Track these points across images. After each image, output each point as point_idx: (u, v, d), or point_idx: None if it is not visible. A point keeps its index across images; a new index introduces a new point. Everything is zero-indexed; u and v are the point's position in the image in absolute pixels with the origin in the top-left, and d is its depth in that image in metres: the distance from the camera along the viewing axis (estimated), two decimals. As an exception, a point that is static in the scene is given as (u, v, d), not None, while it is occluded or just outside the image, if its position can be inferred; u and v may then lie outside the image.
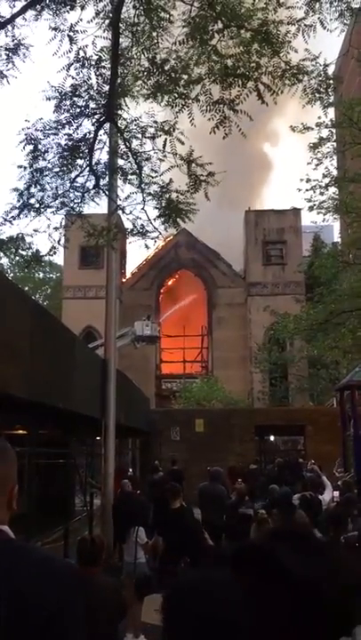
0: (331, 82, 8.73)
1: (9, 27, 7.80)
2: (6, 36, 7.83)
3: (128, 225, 9.42)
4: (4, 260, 44.56)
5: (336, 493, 9.94)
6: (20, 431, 9.07)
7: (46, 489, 11.25)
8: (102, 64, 7.95)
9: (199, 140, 9.05)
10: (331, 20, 7.38)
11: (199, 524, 8.25)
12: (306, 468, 15.45)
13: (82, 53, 7.77)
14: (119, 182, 9.54)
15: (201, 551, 6.71)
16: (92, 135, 8.66)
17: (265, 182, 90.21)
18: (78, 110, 8.52)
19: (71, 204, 9.32)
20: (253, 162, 63.27)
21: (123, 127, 8.60)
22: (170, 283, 43.72)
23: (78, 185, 9.25)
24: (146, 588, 7.75)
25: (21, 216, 9.08)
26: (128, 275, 43.31)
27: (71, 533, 10.39)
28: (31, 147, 8.72)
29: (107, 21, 7.65)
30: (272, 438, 25.63)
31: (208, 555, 6.60)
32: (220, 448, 20.50)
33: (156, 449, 21.09)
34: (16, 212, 9.00)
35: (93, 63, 7.93)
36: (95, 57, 7.87)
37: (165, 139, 8.43)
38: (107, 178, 9.36)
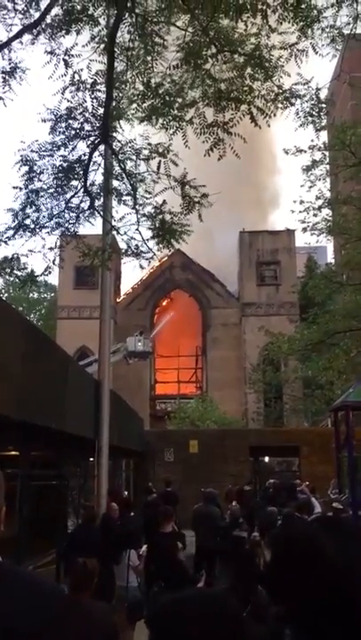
0: (323, 105, 8.87)
1: (5, 50, 7.90)
2: (3, 59, 7.93)
3: (123, 245, 9.47)
4: (-1, 280, 44.66)
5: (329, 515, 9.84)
6: (13, 452, 8.98)
7: (38, 511, 11.10)
8: (97, 87, 8.06)
9: (196, 160, 9.15)
10: (323, 45, 7.50)
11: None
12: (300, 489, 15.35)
13: (77, 77, 7.88)
14: (114, 203, 9.60)
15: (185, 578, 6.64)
16: (86, 157, 8.75)
17: (265, 203, 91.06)
18: (73, 132, 8.62)
19: (66, 225, 9.36)
20: (253, 183, 63.91)
21: (117, 149, 8.69)
22: (164, 303, 43.76)
23: (73, 206, 9.32)
24: (138, 613, 7.63)
25: (16, 236, 9.11)
26: (122, 295, 43.36)
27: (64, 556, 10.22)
28: (26, 168, 8.80)
29: (102, 46, 7.75)
30: (267, 459, 25.46)
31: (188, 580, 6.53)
32: (214, 469, 20.35)
33: (150, 470, 20.91)
34: (11, 232, 9.04)
35: (88, 86, 8.04)
36: (90, 80, 7.98)
37: (160, 160, 8.53)
38: (101, 199, 9.45)
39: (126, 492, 19.09)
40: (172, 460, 21.42)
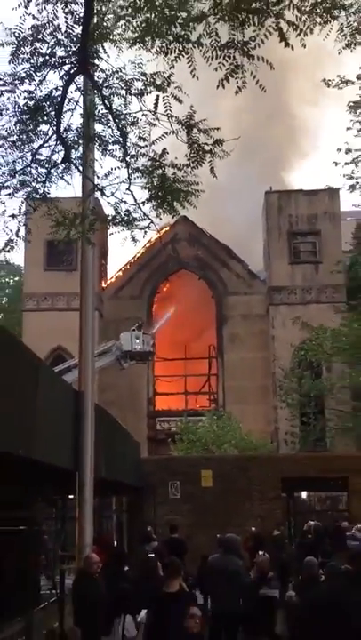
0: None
1: None
2: None
3: (109, 211, 9.46)
4: None
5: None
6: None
7: (1, 566, 11.15)
8: (73, -2, 7.99)
9: (210, 104, 9.11)
10: None
11: None
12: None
13: (45, -16, 7.82)
14: (97, 154, 9.58)
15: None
16: (59, 92, 8.70)
17: (299, 156, 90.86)
18: (41, 60, 8.57)
19: (33, 184, 9.38)
20: (283, 129, 63.80)
21: (100, 81, 8.64)
22: (165, 289, 43.70)
23: (42, 158, 9.32)
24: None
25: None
26: (110, 278, 43.32)
27: (35, 625, 10.29)
28: (-21, 108, 8.78)
29: None
30: (305, 495, 25.44)
31: None
32: (234, 508, 20.39)
33: (150, 511, 20.96)
34: None
35: (61, -3, 7.98)
36: (64, -11, 7.92)
37: (157, 96, 8.48)
38: (80, 148, 9.41)
39: (116, 542, 19.17)
40: (179, 497, 21.46)
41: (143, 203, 9.27)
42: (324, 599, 7.02)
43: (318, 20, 7.57)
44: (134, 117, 8.92)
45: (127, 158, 9.06)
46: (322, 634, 6.40)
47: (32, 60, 8.55)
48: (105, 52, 8.58)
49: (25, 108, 8.86)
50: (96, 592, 9.56)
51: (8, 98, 8.84)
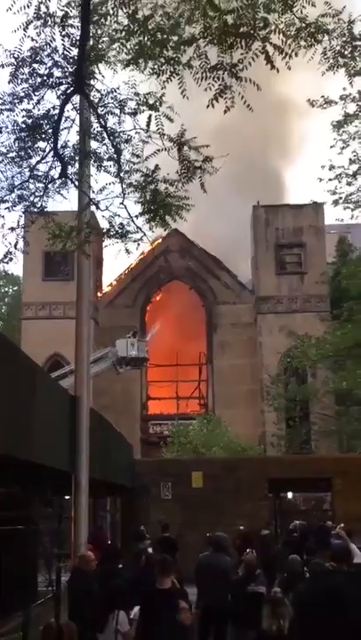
0: (358, 43, 8.86)
1: None
2: None
3: (104, 224, 9.48)
4: None
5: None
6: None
7: (0, 564, 11.08)
8: (69, 21, 8.01)
9: (200, 122, 9.13)
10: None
11: None
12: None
13: (44, 8, 7.83)
14: (92, 170, 9.64)
15: None
16: (57, 111, 8.74)
17: (285, 171, 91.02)
18: (40, 80, 8.61)
19: (31, 198, 9.40)
20: (271, 146, 63.94)
21: (96, 101, 8.68)
22: (158, 298, 43.75)
23: (40, 174, 9.35)
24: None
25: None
26: (105, 288, 43.34)
27: (32, 621, 10.24)
28: (-21, 126, 8.79)
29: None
30: (290, 495, 25.43)
31: None
32: (223, 509, 20.33)
33: (142, 510, 20.90)
34: None
35: (58, 20, 8.00)
36: (60, 12, 7.93)
37: (150, 115, 8.52)
38: (76, 164, 9.43)
39: (110, 540, 19.10)
40: (170, 498, 21.44)
41: (136, 216, 9.31)
42: (322, 594, 6.95)
43: (303, 43, 7.62)
44: (128, 135, 8.99)
45: (121, 174, 9.09)
46: (318, 628, 6.33)
47: (30, 81, 8.59)
48: (100, 73, 8.65)
49: (23, 126, 8.90)
50: (90, 589, 9.53)
51: (7, 116, 8.92)
